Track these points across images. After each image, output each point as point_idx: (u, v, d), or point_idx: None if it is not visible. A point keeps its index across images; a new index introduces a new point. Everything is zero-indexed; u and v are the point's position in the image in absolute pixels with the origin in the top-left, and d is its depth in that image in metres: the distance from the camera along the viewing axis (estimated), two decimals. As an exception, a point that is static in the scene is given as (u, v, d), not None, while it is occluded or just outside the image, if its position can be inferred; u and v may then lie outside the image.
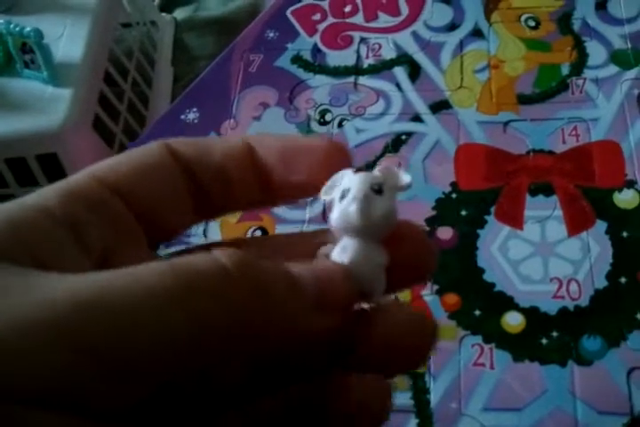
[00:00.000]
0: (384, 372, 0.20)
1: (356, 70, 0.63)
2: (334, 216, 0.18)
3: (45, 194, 0.18)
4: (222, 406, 0.18)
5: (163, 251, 0.23)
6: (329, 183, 0.20)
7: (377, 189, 0.18)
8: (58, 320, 0.14)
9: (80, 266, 0.18)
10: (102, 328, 0.14)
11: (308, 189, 0.20)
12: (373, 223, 0.18)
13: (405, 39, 0.64)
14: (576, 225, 0.52)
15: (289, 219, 0.54)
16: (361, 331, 0.18)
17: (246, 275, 0.16)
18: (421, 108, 0.59)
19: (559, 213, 0.52)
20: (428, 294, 0.50)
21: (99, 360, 0.14)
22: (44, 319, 0.14)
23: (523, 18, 0.64)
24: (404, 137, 0.58)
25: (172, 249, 0.23)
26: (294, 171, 0.20)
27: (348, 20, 0.66)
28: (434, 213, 0.53)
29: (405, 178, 0.19)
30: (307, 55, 0.64)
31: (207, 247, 0.19)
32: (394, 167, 0.19)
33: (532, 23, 0.63)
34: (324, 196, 0.19)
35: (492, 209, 0.53)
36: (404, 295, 0.50)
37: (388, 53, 0.63)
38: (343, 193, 0.19)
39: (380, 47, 0.64)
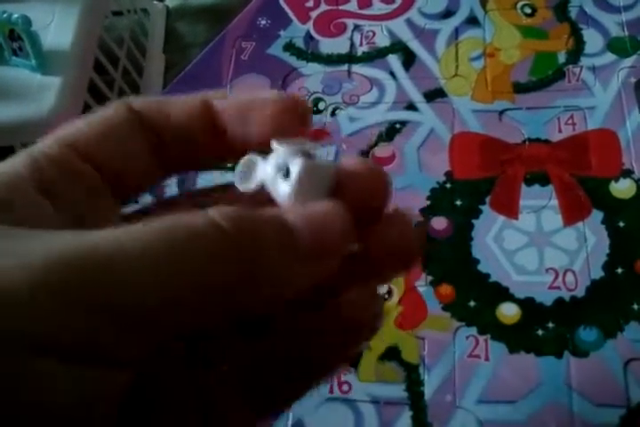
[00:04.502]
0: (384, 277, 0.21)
1: (350, 58, 0.62)
2: (286, 193, 0.18)
3: (18, 161, 0.19)
4: (212, 353, 0.20)
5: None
6: (241, 174, 0.20)
7: (309, 156, 0.19)
8: (68, 281, 0.15)
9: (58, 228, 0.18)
10: (109, 287, 0.15)
11: (260, 145, 0.20)
12: (328, 187, 0.18)
13: (400, 26, 0.63)
14: (572, 215, 0.51)
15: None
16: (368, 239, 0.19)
17: (242, 233, 0.16)
18: (416, 96, 0.59)
19: (555, 202, 0.52)
20: (422, 285, 0.49)
21: (108, 316, 0.15)
22: (57, 279, 0.15)
23: (519, 5, 0.63)
24: (398, 126, 0.57)
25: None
26: (248, 127, 0.21)
27: (341, 8, 0.65)
28: (428, 202, 0.53)
29: (303, 139, 0.19)
30: (299, 43, 0.63)
31: (170, 203, 0.22)
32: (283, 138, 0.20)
33: (529, 10, 0.63)
34: (246, 185, 0.19)
35: (487, 199, 0.52)
36: (398, 286, 0.49)
37: (382, 41, 0.63)
38: (282, 171, 0.18)
39: (374, 35, 0.63)
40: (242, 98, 0.21)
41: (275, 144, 0.19)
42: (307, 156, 0.18)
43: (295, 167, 0.18)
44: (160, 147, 0.21)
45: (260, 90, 0.21)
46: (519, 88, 0.58)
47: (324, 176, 0.18)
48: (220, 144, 0.21)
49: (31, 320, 0.14)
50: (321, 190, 0.18)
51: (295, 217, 0.17)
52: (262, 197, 0.20)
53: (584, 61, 0.59)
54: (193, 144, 0.21)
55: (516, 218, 0.51)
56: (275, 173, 0.18)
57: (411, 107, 0.58)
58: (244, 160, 0.20)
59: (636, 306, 0.47)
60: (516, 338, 0.47)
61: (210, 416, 0.19)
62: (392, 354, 0.47)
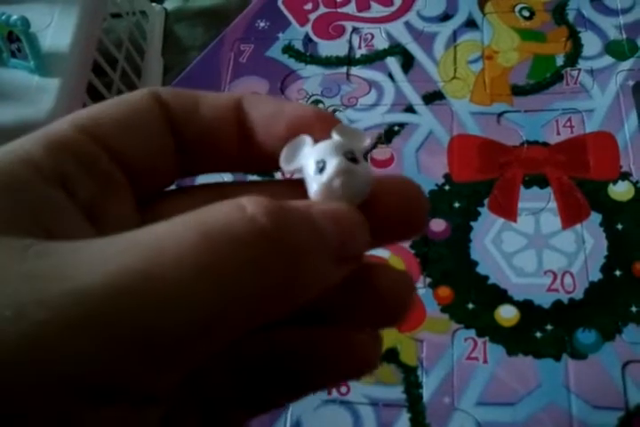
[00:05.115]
0: (373, 323, 0.19)
1: (349, 60, 0.62)
2: (314, 190, 0.18)
3: (29, 146, 0.17)
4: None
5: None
6: (287, 152, 0.19)
7: (351, 157, 0.18)
8: (95, 310, 0.13)
9: (82, 229, 0.17)
10: (142, 314, 0.13)
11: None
12: (358, 194, 0.18)
13: (398, 29, 0.63)
14: (570, 217, 0.51)
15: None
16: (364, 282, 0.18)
17: (281, 232, 0.15)
18: (414, 98, 0.59)
19: (553, 205, 0.52)
20: (420, 287, 0.49)
21: (140, 348, 0.13)
22: (82, 311, 0.13)
23: (517, 8, 0.63)
24: (396, 128, 0.57)
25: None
26: (273, 137, 0.19)
27: (339, 10, 0.65)
28: (427, 205, 0.53)
29: (363, 136, 0.19)
30: (298, 45, 0.64)
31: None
32: (347, 126, 0.19)
33: (527, 13, 0.63)
34: (286, 166, 0.19)
35: (486, 201, 0.52)
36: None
37: (381, 44, 0.63)
38: (318, 165, 0.18)
39: (373, 37, 0.63)
40: (276, 106, 0.19)
41: (333, 132, 0.18)
42: (349, 155, 0.17)
43: (330, 166, 0.17)
44: (182, 145, 0.19)
45: (289, 100, 0.20)
46: (517, 91, 0.58)
47: (358, 181, 0.18)
48: (244, 150, 0.19)
49: (66, 364, 0.13)
50: (350, 195, 0.17)
51: (320, 214, 0.16)
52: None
53: (582, 64, 0.59)
54: (218, 146, 0.19)
55: (515, 220, 0.51)
56: (313, 164, 0.18)
57: (409, 109, 0.58)
58: (294, 139, 0.19)
59: (634, 308, 0.47)
60: (515, 340, 0.47)
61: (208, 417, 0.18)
62: (390, 356, 0.47)
